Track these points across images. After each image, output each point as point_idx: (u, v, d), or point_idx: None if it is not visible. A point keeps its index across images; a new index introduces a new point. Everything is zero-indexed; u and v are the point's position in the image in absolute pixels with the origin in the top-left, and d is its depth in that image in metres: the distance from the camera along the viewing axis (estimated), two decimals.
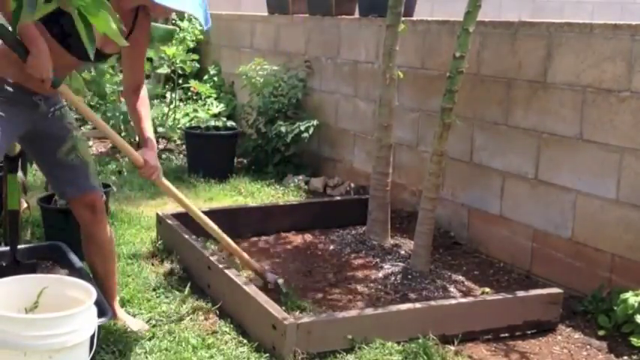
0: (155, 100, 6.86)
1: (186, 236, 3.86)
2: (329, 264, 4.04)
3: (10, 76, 2.77)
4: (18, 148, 3.14)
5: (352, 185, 5.49)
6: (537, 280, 3.93)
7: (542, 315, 3.36)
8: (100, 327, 2.53)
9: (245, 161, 6.34)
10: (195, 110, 6.98)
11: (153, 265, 3.90)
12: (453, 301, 3.36)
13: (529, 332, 3.33)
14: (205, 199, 5.30)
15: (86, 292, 2.40)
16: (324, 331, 2.99)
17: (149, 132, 3.08)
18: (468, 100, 4.26)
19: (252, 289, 3.21)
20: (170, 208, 4.67)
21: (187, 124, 6.61)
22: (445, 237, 4.48)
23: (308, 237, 4.49)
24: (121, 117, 6.39)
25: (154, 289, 3.56)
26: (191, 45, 7.16)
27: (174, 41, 6.66)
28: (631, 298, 3.29)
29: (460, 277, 3.87)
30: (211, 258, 3.56)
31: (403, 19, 4.24)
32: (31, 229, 4.20)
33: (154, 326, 3.17)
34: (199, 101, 7.35)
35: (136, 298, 3.43)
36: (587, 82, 3.70)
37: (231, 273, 3.38)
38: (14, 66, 2.71)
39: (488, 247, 4.30)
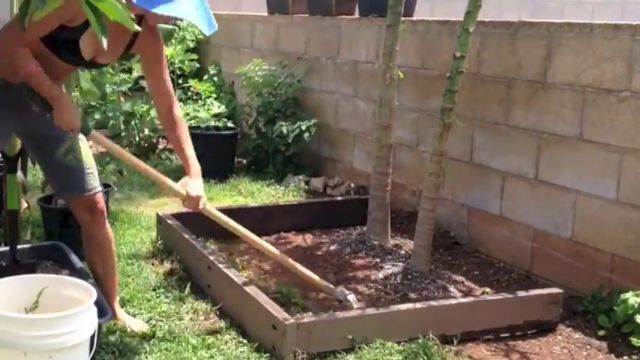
0: None
1: (186, 236, 3.86)
2: (329, 264, 4.04)
3: (4, 76, 2.75)
4: (18, 147, 3.15)
5: (352, 185, 5.49)
6: (537, 280, 3.93)
7: (543, 315, 3.36)
8: (100, 327, 2.53)
9: (245, 161, 6.34)
10: (195, 110, 6.98)
11: (153, 265, 3.90)
12: (453, 301, 3.36)
13: (529, 332, 3.33)
14: (205, 199, 5.29)
15: (86, 292, 2.40)
16: (325, 331, 2.99)
17: (192, 158, 3.05)
18: (468, 100, 4.26)
19: (252, 289, 3.21)
20: (170, 208, 4.67)
21: (187, 124, 6.60)
22: (445, 237, 4.48)
23: (308, 237, 4.49)
24: (121, 117, 6.39)
25: (154, 289, 3.56)
26: (191, 45, 7.16)
27: (173, 41, 6.66)
28: (631, 298, 3.29)
29: (460, 277, 3.87)
30: (211, 258, 3.56)
31: (403, 19, 4.24)
32: (31, 229, 4.20)
33: (153, 326, 3.17)
34: (199, 101, 7.35)
35: (136, 298, 3.43)
36: (587, 82, 3.70)
37: (231, 273, 3.38)
38: (5, 67, 2.70)
39: (489, 247, 4.30)
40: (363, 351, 2.97)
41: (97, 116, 6.76)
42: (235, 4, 8.70)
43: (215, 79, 7.54)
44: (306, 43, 6.16)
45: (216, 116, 6.74)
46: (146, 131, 6.42)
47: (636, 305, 3.26)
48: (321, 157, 5.99)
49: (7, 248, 3.19)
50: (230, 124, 6.43)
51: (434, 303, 3.31)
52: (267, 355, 2.95)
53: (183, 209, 3.44)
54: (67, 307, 2.28)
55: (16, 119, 2.83)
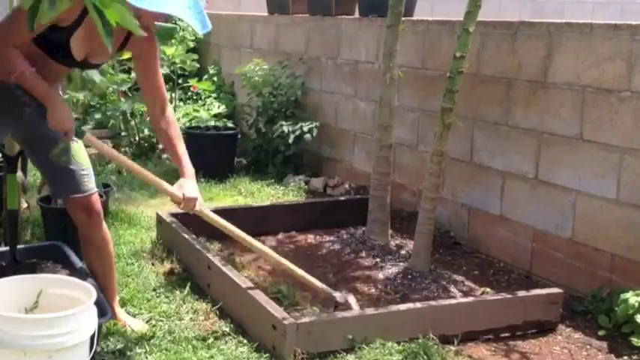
0: None
1: (186, 236, 3.86)
2: (329, 264, 4.04)
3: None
4: (18, 148, 3.14)
5: (352, 185, 5.49)
6: (537, 280, 3.93)
7: (543, 315, 3.36)
8: (100, 327, 2.53)
9: (245, 161, 6.34)
10: (195, 110, 6.98)
11: (153, 265, 3.90)
12: (453, 301, 3.36)
13: (529, 332, 3.33)
14: (205, 199, 5.27)
15: (86, 292, 2.40)
16: (324, 331, 2.99)
17: (185, 159, 3.03)
18: (468, 100, 4.26)
19: (252, 289, 3.21)
20: (170, 207, 4.66)
21: (187, 124, 6.61)
22: (445, 237, 4.48)
23: (308, 237, 4.49)
24: (121, 117, 6.39)
25: (154, 289, 3.56)
26: (191, 45, 7.16)
27: (173, 41, 6.66)
28: (631, 298, 3.29)
29: (460, 277, 3.87)
30: (211, 258, 3.56)
31: (403, 19, 4.24)
32: (31, 229, 4.20)
33: (153, 326, 3.17)
34: (199, 101, 7.35)
35: (135, 298, 3.43)
36: (587, 82, 3.70)
37: (231, 273, 3.38)
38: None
39: (489, 247, 4.30)
40: (363, 351, 2.97)
41: (97, 116, 6.77)
42: (235, 4, 8.70)
43: (215, 79, 7.55)
44: (306, 43, 6.16)
45: (216, 116, 6.75)
46: (146, 131, 6.42)
47: (636, 305, 3.26)
48: (322, 157, 5.99)
49: (7, 248, 3.19)
50: (230, 124, 6.43)
51: (434, 303, 3.31)
52: (267, 355, 2.95)
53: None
54: (67, 307, 2.28)
55: (10, 120, 2.82)
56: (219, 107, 7.01)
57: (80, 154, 2.99)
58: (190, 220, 3.94)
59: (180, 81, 7.08)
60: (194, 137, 6.10)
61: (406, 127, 4.92)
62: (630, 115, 3.50)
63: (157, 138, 3.25)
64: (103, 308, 2.72)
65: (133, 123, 6.41)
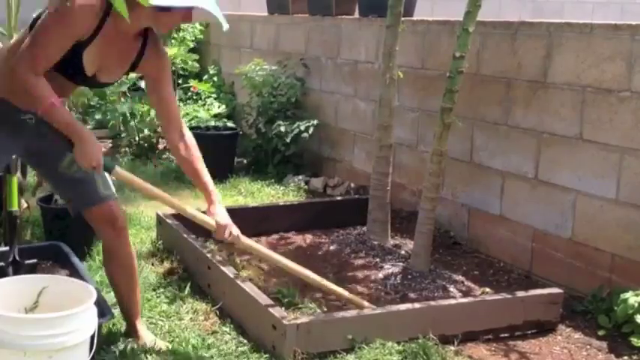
0: None
1: (186, 236, 3.86)
2: (329, 264, 4.04)
3: (2, 95, 2.63)
4: None
5: (352, 185, 5.49)
6: (537, 280, 3.93)
7: (543, 315, 3.36)
8: (100, 327, 2.53)
9: (245, 161, 6.34)
10: (195, 110, 6.98)
11: (153, 265, 3.90)
12: (453, 301, 3.36)
13: (529, 332, 3.33)
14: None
15: (86, 292, 2.40)
16: (324, 331, 2.99)
17: (210, 184, 2.87)
18: (468, 100, 4.26)
19: (252, 289, 3.21)
20: (170, 208, 4.66)
21: (187, 124, 6.60)
22: (445, 237, 4.47)
23: (308, 237, 4.49)
24: (121, 117, 6.39)
25: (154, 289, 3.56)
26: (191, 45, 7.16)
27: (173, 41, 6.66)
28: (631, 298, 3.29)
29: (460, 277, 3.87)
30: (211, 258, 3.56)
31: (403, 19, 4.24)
32: (31, 229, 4.20)
33: (153, 324, 3.17)
34: (199, 101, 7.35)
35: None
36: (587, 82, 3.70)
37: (231, 273, 3.38)
38: (2, 83, 2.60)
39: (489, 247, 4.30)
40: (363, 351, 2.97)
41: (97, 116, 6.77)
42: (235, 4, 8.69)
43: (215, 79, 7.54)
44: (306, 43, 6.16)
45: (216, 116, 6.74)
46: (146, 131, 6.42)
47: (636, 305, 3.26)
48: (321, 157, 5.99)
49: (7, 248, 3.19)
50: (230, 124, 6.43)
51: (434, 303, 3.31)
52: (267, 355, 2.95)
53: None
54: (67, 307, 2.28)
55: (14, 139, 2.70)
56: (219, 107, 7.00)
57: None
58: (190, 220, 3.94)
59: (180, 81, 7.08)
60: (194, 137, 6.10)
61: (406, 127, 4.92)
62: (630, 115, 3.50)
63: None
64: (103, 308, 2.72)
65: (132, 123, 6.41)
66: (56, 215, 3.99)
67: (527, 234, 4.05)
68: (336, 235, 4.49)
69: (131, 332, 3.02)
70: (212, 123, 6.34)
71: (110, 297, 3.09)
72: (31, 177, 4.83)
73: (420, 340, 3.02)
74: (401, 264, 3.96)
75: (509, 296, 3.38)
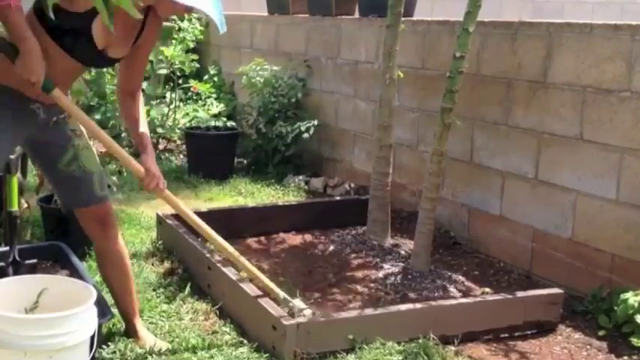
0: (155, 101, 6.86)
1: (186, 236, 3.86)
2: (329, 264, 4.04)
3: (6, 83, 2.62)
4: (18, 149, 3.14)
5: (352, 185, 5.49)
6: (537, 280, 3.93)
7: (543, 315, 3.36)
8: (100, 327, 2.53)
9: (245, 161, 6.34)
10: (195, 110, 6.98)
11: (153, 265, 3.90)
12: (453, 301, 3.36)
13: (529, 332, 3.33)
14: (205, 200, 5.30)
15: (86, 292, 2.40)
16: (324, 331, 2.99)
17: (147, 137, 2.86)
18: (468, 100, 4.26)
19: (252, 289, 3.21)
20: (170, 208, 4.66)
21: (187, 125, 6.61)
22: (445, 237, 4.48)
23: (308, 237, 4.48)
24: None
25: (154, 289, 3.56)
26: (191, 45, 7.15)
27: (173, 41, 6.65)
28: (631, 298, 3.29)
29: (460, 277, 3.87)
30: (211, 258, 3.56)
31: (403, 19, 4.24)
32: (31, 229, 4.20)
33: (153, 324, 3.17)
34: (199, 101, 7.35)
35: None
36: (587, 82, 3.70)
37: (231, 273, 3.38)
38: (11, 72, 2.55)
39: (489, 247, 4.30)
40: (363, 351, 2.97)
41: (97, 116, 6.76)
42: (235, 4, 8.69)
43: (215, 79, 7.54)
44: (306, 43, 6.16)
45: (216, 116, 6.74)
46: None
47: (636, 305, 3.26)
48: (321, 157, 5.99)
49: (7, 248, 3.19)
50: (230, 124, 6.43)
51: (434, 303, 3.31)
52: (267, 355, 2.95)
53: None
54: (67, 307, 2.29)
55: (21, 126, 2.70)
56: (219, 107, 7.00)
57: (90, 160, 2.86)
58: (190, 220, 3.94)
59: (180, 81, 7.08)
60: (194, 137, 6.11)
61: (406, 127, 4.92)
62: (630, 115, 3.50)
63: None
64: (103, 308, 2.72)
65: (126, 127, 6.40)
66: (56, 215, 3.99)
67: (527, 234, 4.05)
68: (336, 235, 4.49)
69: (130, 332, 3.02)
70: (212, 123, 6.33)
71: (110, 297, 3.09)
72: (32, 177, 4.83)
73: (420, 340, 3.02)
74: (401, 264, 3.95)
75: (510, 296, 3.38)
